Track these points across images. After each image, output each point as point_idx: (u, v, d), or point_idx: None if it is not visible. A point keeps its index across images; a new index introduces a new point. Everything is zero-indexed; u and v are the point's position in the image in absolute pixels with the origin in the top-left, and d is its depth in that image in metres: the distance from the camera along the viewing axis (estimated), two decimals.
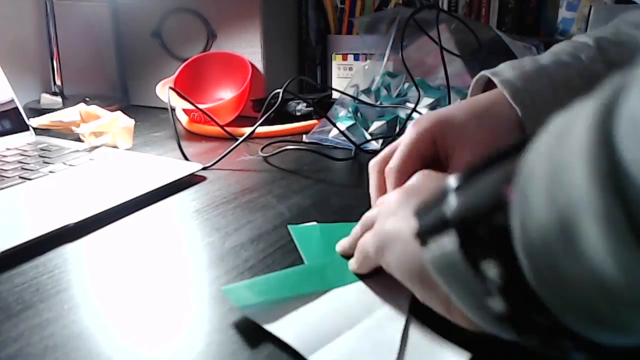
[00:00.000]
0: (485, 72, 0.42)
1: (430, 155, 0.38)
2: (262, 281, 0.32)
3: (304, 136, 0.72)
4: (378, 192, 0.39)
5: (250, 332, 0.28)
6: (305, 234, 0.40)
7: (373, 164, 0.40)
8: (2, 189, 0.48)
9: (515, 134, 0.38)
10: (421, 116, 0.39)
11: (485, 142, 0.37)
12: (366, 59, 0.91)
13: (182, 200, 0.49)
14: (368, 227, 0.32)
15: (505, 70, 0.41)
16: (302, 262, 0.36)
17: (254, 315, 0.28)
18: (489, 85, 0.43)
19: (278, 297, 0.30)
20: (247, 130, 0.68)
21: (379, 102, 0.73)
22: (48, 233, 0.39)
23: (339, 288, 0.31)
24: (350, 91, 0.75)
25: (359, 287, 0.32)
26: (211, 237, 0.40)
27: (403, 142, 0.38)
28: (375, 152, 0.65)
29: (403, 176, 0.35)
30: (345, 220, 0.42)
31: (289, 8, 0.97)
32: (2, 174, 0.52)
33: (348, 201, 0.49)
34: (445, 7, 0.98)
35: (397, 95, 0.75)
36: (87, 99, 0.88)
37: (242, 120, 0.82)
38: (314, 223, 0.42)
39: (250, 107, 0.82)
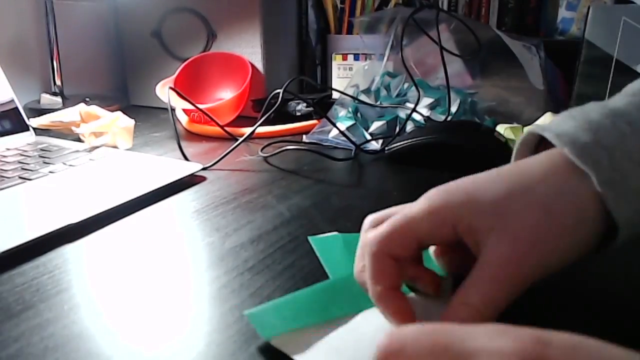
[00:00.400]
0: (533, 128, 0.31)
1: (445, 241, 0.29)
2: (287, 305, 0.29)
3: (304, 136, 0.72)
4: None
5: (250, 332, 0.28)
6: (327, 246, 0.38)
7: (366, 222, 0.31)
8: (2, 189, 0.48)
9: (589, 212, 0.26)
10: (437, 189, 0.29)
11: (536, 226, 0.26)
12: (366, 59, 0.91)
13: (182, 201, 0.49)
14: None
15: (561, 122, 0.29)
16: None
17: (280, 344, 0.26)
18: (542, 147, 0.31)
19: (306, 324, 0.28)
20: (247, 131, 0.68)
21: (379, 102, 0.73)
22: (48, 233, 0.39)
23: (370, 310, 0.29)
24: (350, 91, 0.75)
25: None
26: (211, 238, 0.40)
27: (402, 214, 0.28)
28: (375, 152, 0.66)
29: (382, 262, 0.28)
30: (345, 220, 0.42)
31: (289, 8, 0.97)
32: (2, 174, 0.52)
33: (348, 201, 0.49)
34: (445, 7, 0.98)
35: (397, 95, 0.75)
36: (87, 99, 0.88)
37: (242, 120, 0.82)
38: (335, 233, 0.40)
39: (250, 107, 0.82)
